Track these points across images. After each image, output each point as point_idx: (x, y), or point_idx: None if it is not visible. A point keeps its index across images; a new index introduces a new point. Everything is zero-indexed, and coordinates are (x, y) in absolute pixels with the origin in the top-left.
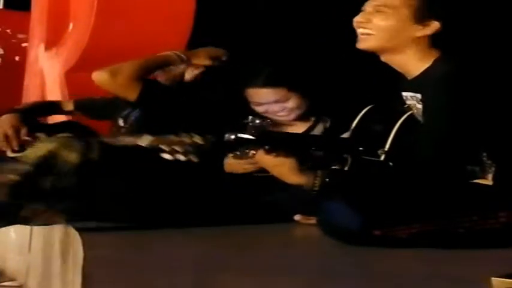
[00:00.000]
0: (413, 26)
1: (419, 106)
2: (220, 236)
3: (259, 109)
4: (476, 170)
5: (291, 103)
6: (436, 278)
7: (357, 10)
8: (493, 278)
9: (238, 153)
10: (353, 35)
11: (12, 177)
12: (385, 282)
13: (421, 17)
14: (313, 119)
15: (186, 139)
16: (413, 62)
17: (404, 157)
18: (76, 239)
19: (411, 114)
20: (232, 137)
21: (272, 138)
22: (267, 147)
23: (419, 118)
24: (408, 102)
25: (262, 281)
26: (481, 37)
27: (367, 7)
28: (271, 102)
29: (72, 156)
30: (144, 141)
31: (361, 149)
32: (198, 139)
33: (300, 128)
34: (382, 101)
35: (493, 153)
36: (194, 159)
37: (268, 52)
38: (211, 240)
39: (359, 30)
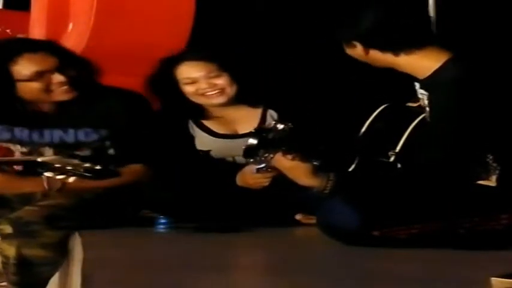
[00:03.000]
0: (380, 55)
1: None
2: (220, 235)
3: (190, 89)
4: (480, 171)
5: (221, 80)
6: (436, 279)
7: None
8: (492, 278)
9: (257, 157)
10: None
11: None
12: (384, 283)
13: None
14: (261, 107)
15: (81, 163)
16: (423, 64)
17: (413, 159)
18: (76, 239)
19: (425, 116)
20: (255, 142)
21: (291, 139)
22: (284, 148)
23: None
24: (421, 101)
25: (261, 280)
26: (492, 40)
27: None
28: (201, 79)
29: (38, 251)
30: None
31: (371, 150)
32: (91, 165)
33: (251, 113)
34: (397, 98)
35: (499, 156)
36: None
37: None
38: (210, 239)
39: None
